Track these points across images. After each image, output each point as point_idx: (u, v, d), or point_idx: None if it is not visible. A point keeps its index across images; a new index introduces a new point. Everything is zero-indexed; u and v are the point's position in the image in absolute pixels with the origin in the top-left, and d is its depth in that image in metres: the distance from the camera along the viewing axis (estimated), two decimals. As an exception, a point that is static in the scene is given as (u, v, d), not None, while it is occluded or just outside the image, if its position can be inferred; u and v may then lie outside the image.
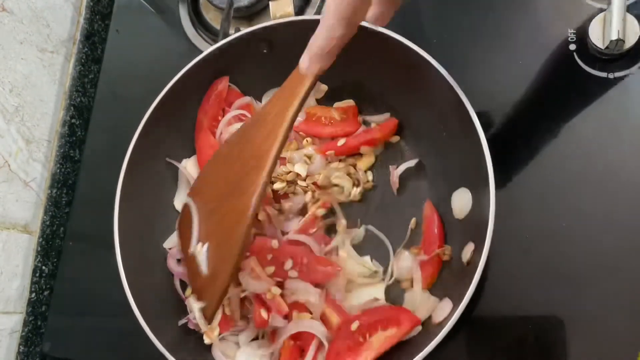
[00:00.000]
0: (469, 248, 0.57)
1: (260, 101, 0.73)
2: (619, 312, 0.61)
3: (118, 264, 0.61)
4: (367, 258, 0.66)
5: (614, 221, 0.64)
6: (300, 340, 0.61)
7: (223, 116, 0.71)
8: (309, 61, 0.49)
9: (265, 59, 0.67)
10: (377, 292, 0.64)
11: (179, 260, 0.67)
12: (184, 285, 0.68)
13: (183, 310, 0.66)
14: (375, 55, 0.62)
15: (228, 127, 0.70)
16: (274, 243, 0.63)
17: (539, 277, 0.63)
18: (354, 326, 0.59)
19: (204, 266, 0.56)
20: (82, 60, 0.85)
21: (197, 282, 0.58)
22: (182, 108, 0.69)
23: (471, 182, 0.60)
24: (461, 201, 0.62)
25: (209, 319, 0.57)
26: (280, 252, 0.63)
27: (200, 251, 0.57)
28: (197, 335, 0.64)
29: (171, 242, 0.69)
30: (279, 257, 0.62)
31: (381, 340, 0.58)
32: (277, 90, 0.55)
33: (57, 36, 0.83)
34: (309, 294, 0.61)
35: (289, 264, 0.62)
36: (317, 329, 0.60)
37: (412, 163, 0.66)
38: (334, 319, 0.61)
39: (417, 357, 0.52)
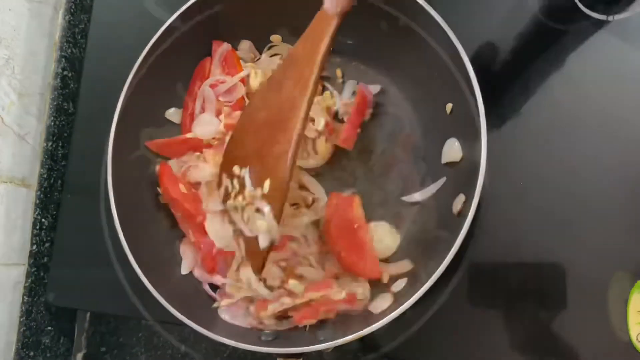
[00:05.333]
0: (460, 199, 0.58)
1: (261, 51, 0.72)
2: (612, 251, 0.62)
3: (113, 216, 0.62)
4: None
5: (607, 165, 0.64)
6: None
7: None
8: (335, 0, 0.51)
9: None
10: None
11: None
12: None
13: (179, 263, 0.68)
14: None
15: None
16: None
17: (534, 222, 0.64)
18: None
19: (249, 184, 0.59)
20: (72, 10, 0.83)
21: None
22: (172, 58, 0.67)
23: (463, 132, 0.59)
24: (450, 150, 0.62)
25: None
26: None
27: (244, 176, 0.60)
28: (195, 282, 0.66)
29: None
30: None
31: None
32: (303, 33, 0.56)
33: (44, -15, 0.81)
34: None
35: None
36: None
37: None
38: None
39: (401, 308, 0.53)
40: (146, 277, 0.60)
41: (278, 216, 0.56)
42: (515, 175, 0.65)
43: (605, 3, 0.66)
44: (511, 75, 0.67)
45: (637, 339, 0.58)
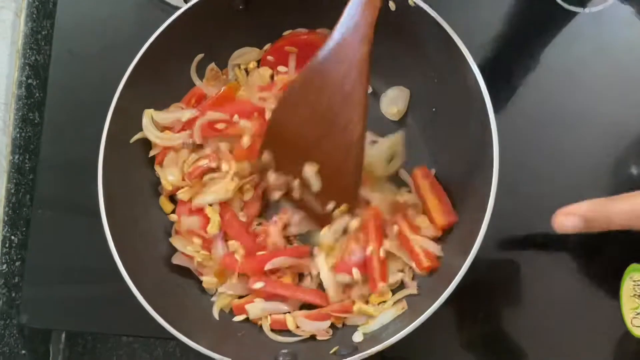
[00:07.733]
0: None
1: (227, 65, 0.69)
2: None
3: (105, 230, 0.59)
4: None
5: (586, 153, 0.66)
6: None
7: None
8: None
9: (240, 16, 0.64)
10: None
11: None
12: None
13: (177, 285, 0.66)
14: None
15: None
16: None
17: (520, 211, 0.65)
18: None
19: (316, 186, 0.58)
20: (34, 16, 0.79)
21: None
22: (155, 73, 0.64)
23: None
24: None
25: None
26: None
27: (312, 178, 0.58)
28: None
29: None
30: None
31: None
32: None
33: (3, -10, 0.77)
34: None
35: None
36: None
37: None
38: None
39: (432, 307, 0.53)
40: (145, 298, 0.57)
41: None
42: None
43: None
44: (495, 70, 0.68)
45: (632, 324, 0.59)
